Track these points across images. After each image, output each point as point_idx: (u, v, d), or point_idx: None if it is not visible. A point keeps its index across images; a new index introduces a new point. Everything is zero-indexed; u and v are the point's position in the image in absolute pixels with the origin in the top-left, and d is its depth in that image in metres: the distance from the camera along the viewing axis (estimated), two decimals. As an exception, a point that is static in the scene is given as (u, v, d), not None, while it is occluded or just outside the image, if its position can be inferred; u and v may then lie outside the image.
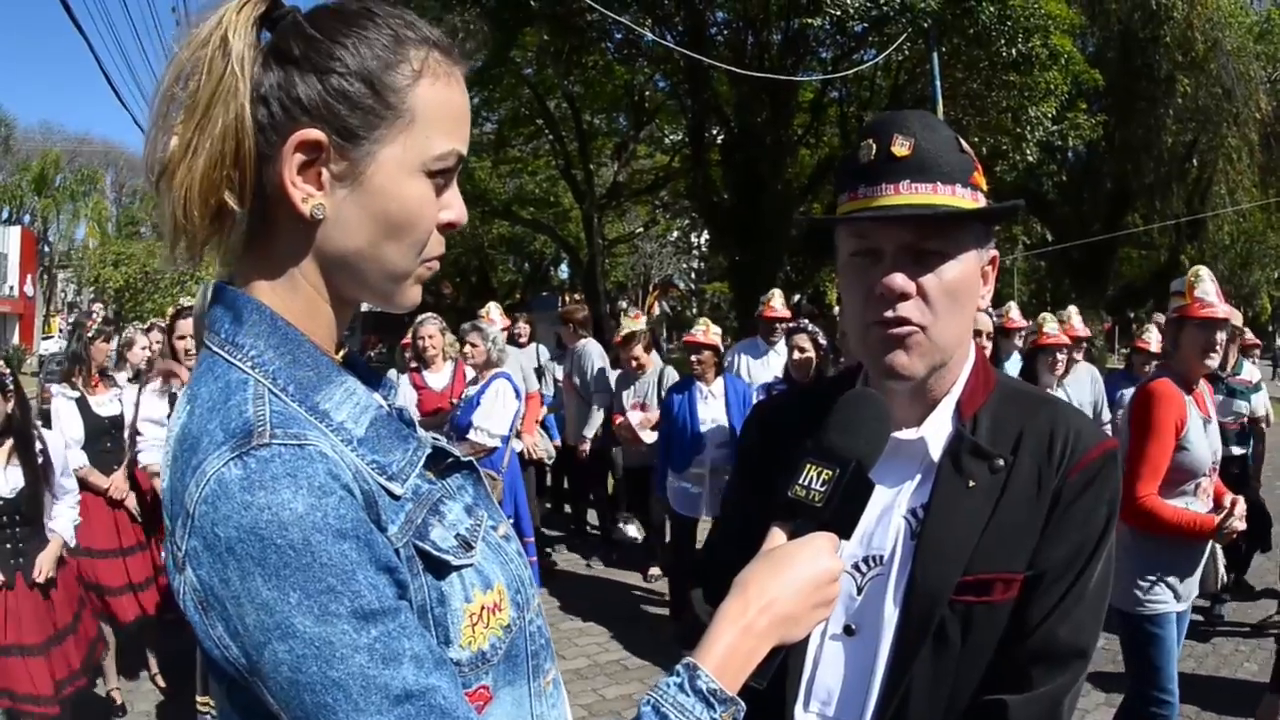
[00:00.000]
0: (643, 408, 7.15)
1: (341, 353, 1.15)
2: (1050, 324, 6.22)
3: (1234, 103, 24.11)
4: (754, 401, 6.62)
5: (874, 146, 1.41)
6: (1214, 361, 3.81)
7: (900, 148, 1.39)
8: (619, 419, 7.28)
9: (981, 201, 1.43)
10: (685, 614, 1.65)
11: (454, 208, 1.09)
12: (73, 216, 49.83)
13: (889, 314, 1.39)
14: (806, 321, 6.29)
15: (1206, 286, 3.84)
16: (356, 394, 1.04)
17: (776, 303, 7.87)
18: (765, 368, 7.62)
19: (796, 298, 18.26)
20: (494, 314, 8.13)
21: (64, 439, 4.65)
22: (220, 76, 0.98)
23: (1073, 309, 7.50)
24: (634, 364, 7.23)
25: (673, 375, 7.11)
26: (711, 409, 6.42)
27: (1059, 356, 6.10)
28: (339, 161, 1.01)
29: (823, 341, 5.99)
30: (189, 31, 1.01)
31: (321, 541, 0.89)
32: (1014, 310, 7.51)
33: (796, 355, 5.96)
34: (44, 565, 4.14)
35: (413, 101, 1.02)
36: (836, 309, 17.51)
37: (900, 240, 1.39)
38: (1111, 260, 25.89)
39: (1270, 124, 25.46)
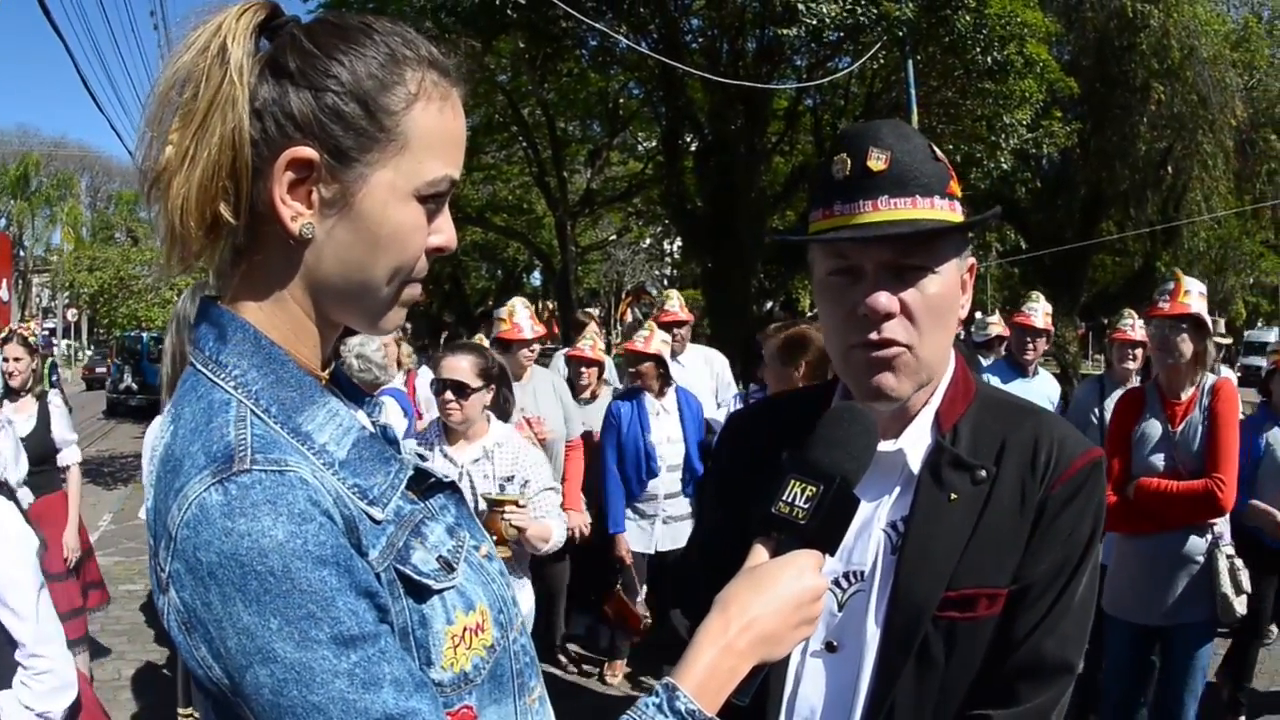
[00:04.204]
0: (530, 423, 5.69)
1: (327, 370, 1.13)
2: None
3: (1210, 110, 24.24)
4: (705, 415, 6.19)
5: (848, 161, 1.37)
6: (1171, 360, 3.93)
7: (876, 162, 1.35)
8: None
9: (959, 210, 1.41)
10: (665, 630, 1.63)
11: (444, 232, 1.08)
12: (48, 221, 49.42)
13: (874, 335, 1.36)
14: None
15: (1168, 286, 4.00)
16: (339, 415, 1.04)
17: (671, 305, 6.89)
18: None
19: (770, 305, 18.21)
20: (519, 312, 5.92)
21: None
22: (219, 85, 0.97)
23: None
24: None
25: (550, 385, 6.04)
26: (665, 425, 5.92)
27: None
28: (330, 183, 1.00)
29: None
30: (189, 34, 0.99)
31: (301, 568, 0.89)
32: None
33: None
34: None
35: (407, 125, 1.01)
36: (807, 315, 17.50)
37: (882, 258, 1.36)
38: (1085, 267, 25.97)
39: (1246, 131, 25.64)
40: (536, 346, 5.96)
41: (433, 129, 1.03)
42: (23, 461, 4.08)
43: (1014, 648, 1.36)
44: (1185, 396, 3.95)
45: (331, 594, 0.90)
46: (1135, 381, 5.70)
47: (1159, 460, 3.94)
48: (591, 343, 6.60)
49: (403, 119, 1.01)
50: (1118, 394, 5.55)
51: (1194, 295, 3.95)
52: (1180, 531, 3.92)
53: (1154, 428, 3.97)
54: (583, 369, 6.53)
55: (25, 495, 4.42)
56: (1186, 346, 3.92)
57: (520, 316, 5.80)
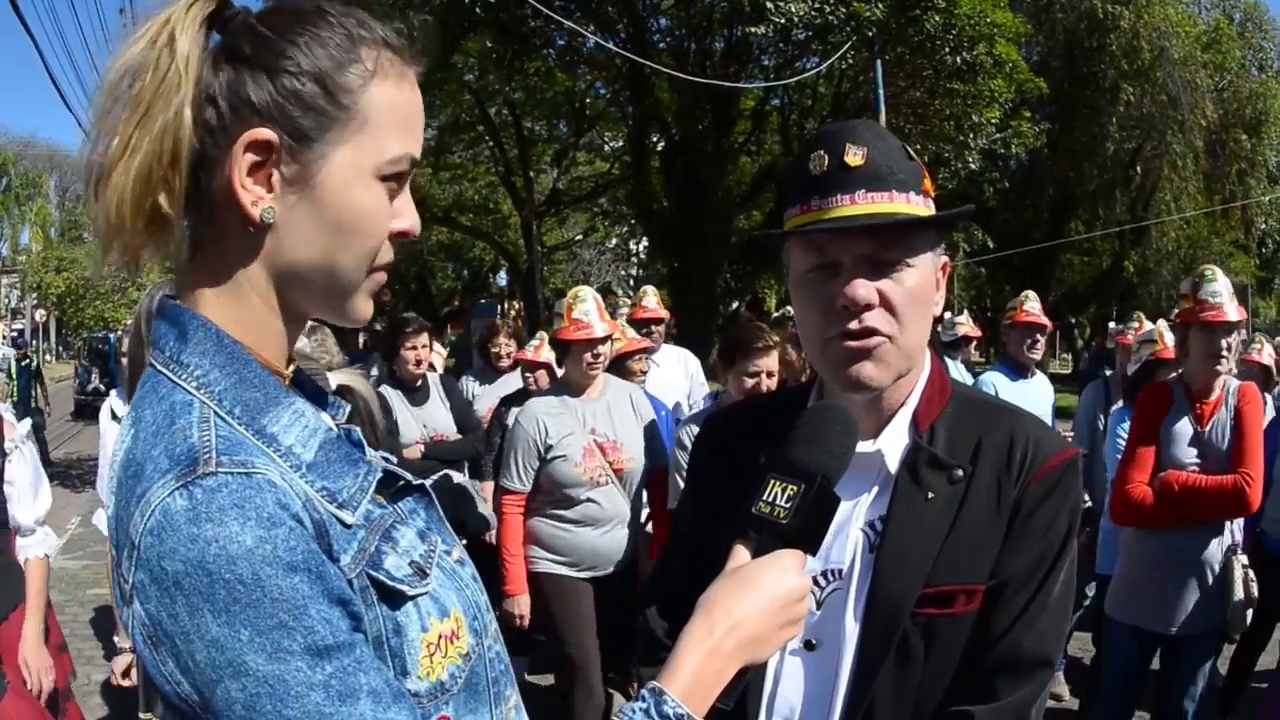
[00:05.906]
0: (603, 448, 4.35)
1: (290, 368, 1.09)
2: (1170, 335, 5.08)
3: (1179, 110, 24.48)
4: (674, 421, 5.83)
5: (825, 157, 1.38)
6: (1222, 367, 3.83)
7: (853, 157, 1.36)
8: None
9: (933, 208, 1.42)
10: (640, 632, 1.61)
11: (407, 215, 1.05)
12: (17, 220, 49.00)
13: (854, 325, 1.36)
14: None
15: (1215, 287, 3.80)
16: (305, 416, 1.00)
17: (649, 301, 6.39)
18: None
19: (735, 304, 18.20)
20: (584, 302, 4.49)
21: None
22: (164, 74, 0.94)
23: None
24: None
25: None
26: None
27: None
28: (290, 164, 0.96)
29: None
30: (139, 28, 0.96)
31: (271, 575, 0.85)
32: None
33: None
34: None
35: (365, 102, 0.99)
36: (774, 315, 17.41)
37: (860, 251, 1.36)
38: (1053, 266, 26.20)
39: (1216, 131, 25.86)
40: (604, 349, 4.36)
41: (391, 106, 1.01)
42: (43, 493, 3.59)
43: (992, 643, 1.37)
44: (1213, 397, 3.92)
45: (304, 602, 0.86)
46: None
47: (1191, 457, 3.89)
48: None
49: (360, 96, 0.98)
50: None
51: (1224, 297, 3.79)
52: (1195, 538, 3.89)
53: (1184, 426, 3.91)
54: None
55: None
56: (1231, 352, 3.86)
57: (584, 309, 4.28)
